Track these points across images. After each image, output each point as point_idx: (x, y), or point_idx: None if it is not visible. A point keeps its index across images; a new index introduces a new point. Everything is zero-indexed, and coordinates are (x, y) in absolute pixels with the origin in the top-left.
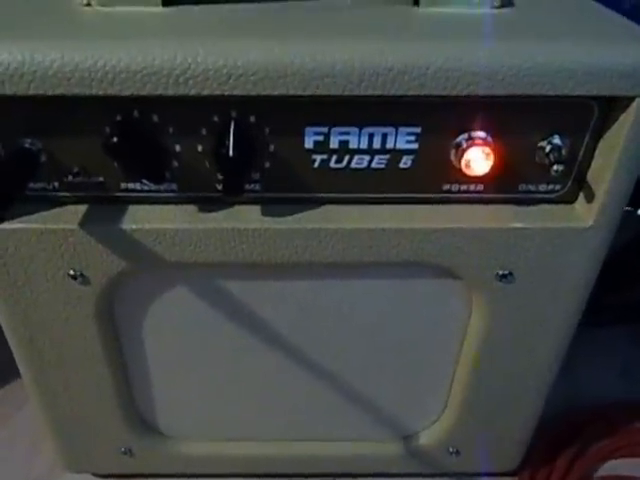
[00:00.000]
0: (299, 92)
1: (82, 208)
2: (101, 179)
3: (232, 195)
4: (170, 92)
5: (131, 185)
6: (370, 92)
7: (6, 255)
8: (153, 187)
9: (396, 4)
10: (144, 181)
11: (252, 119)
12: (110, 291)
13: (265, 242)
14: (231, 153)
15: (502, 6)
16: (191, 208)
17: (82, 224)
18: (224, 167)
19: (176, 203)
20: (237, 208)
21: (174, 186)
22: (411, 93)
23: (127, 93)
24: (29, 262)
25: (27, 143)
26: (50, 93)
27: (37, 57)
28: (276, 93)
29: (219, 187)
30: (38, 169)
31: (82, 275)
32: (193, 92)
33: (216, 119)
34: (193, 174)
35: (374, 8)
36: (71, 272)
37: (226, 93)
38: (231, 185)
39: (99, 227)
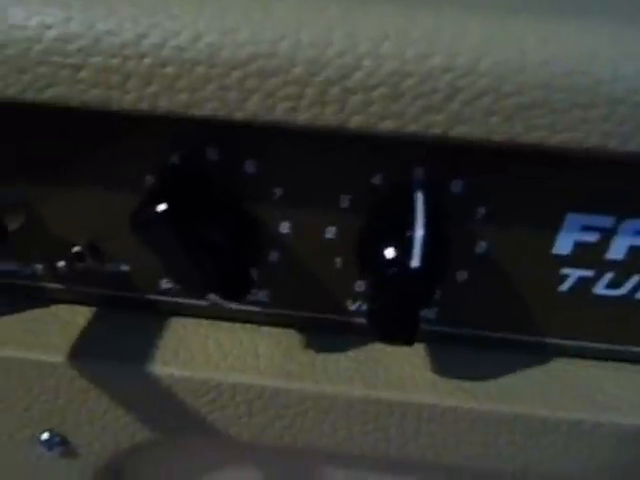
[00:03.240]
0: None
1: (83, 317)
2: (125, 268)
3: (398, 342)
4: (303, 117)
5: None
6: None
7: None
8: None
9: None
10: (212, 297)
11: (457, 188)
12: (113, 469)
13: (440, 430)
14: (416, 260)
15: None
16: (290, 339)
17: (76, 353)
18: (385, 281)
19: (261, 324)
20: (384, 351)
21: (263, 295)
22: None
23: (204, 113)
24: None
25: None
26: (32, 98)
27: None
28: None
29: (352, 307)
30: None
31: (64, 442)
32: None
33: (377, 180)
34: (304, 279)
35: None
36: (44, 435)
37: (432, 132)
38: (401, 322)
39: (107, 363)
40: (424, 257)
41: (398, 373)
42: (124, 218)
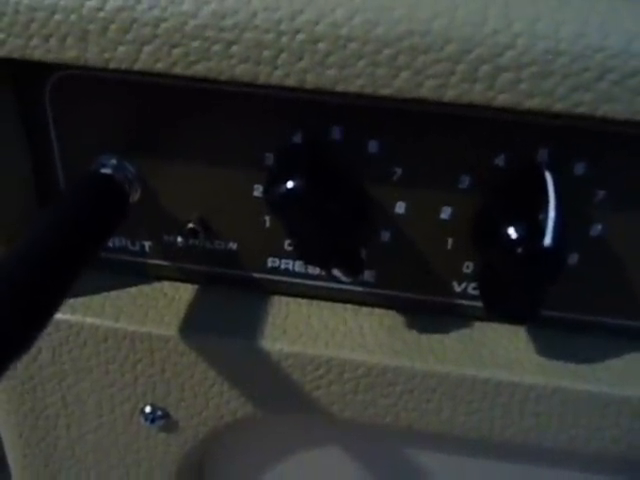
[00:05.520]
0: None
1: (187, 294)
2: (233, 246)
3: (516, 321)
4: (450, 95)
5: (285, 263)
6: None
7: (39, 357)
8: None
9: None
10: (336, 272)
11: (580, 170)
12: (205, 448)
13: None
14: (549, 238)
15: None
16: (392, 319)
17: (186, 327)
18: (513, 259)
19: (363, 305)
20: (486, 333)
21: (369, 275)
22: None
23: (350, 89)
24: (73, 377)
25: (109, 165)
26: (180, 73)
27: None
28: None
29: (458, 288)
30: (121, 217)
31: (166, 416)
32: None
33: (500, 161)
34: (412, 260)
35: None
36: (147, 409)
37: None
38: (522, 300)
39: (217, 337)
40: (556, 236)
41: (504, 354)
42: (239, 194)
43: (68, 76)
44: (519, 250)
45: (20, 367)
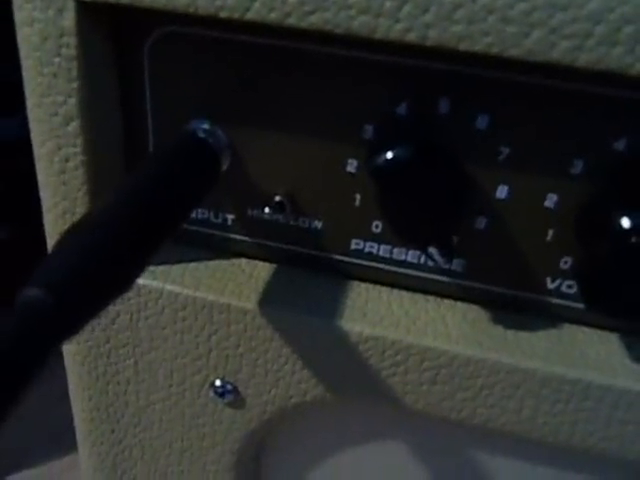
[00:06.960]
0: None
1: (266, 271)
2: (318, 224)
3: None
4: (584, 59)
5: (370, 246)
6: None
7: (117, 321)
8: (417, 261)
9: None
10: (432, 251)
11: None
12: (267, 431)
13: None
14: None
15: None
16: (476, 312)
17: (264, 302)
18: (626, 250)
19: (446, 296)
20: (575, 334)
21: (458, 265)
22: None
23: (476, 48)
24: (148, 344)
25: (201, 130)
26: (294, 24)
27: None
28: None
29: (551, 285)
30: (211, 184)
31: (235, 391)
32: None
33: (619, 146)
34: (506, 251)
35: None
36: (217, 382)
37: None
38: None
39: (295, 315)
40: None
41: (595, 356)
42: (330, 169)
43: (169, 34)
44: (633, 240)
45: (97, 330)
